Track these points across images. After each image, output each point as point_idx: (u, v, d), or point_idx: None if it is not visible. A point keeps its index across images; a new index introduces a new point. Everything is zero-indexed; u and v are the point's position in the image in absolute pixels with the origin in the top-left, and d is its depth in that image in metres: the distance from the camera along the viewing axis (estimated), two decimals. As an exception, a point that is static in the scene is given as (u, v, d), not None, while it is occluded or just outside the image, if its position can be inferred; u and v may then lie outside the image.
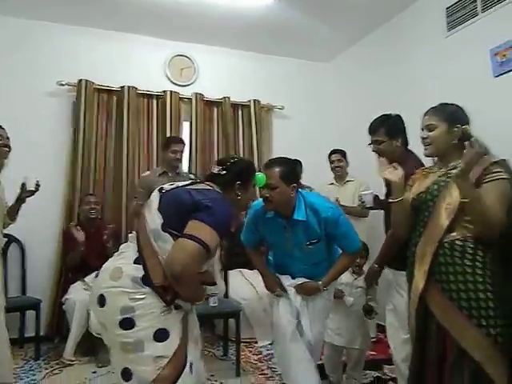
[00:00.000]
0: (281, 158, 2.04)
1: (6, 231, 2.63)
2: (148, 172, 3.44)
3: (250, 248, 2.23)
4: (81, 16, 3.59)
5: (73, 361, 2.91)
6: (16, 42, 3.58)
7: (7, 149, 2.39)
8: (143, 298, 1.43)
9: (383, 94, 3.77)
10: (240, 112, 4.25)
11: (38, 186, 2.53)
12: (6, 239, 3.08)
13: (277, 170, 1.90)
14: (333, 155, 3.72)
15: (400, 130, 2.20)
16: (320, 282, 2.02)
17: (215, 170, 1.65)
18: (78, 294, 2.98)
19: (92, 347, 2.93)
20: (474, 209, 1.49)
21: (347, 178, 3.67)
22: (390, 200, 1.80)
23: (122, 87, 3.77)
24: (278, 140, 4.38)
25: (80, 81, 3.62)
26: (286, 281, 2.10)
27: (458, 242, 1.55)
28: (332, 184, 3.73)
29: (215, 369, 2.82)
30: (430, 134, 1.68)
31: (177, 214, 1.48)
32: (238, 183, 1.64)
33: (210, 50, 4.20)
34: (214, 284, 1.89)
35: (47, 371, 2.82)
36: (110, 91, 3.79)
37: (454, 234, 1.56)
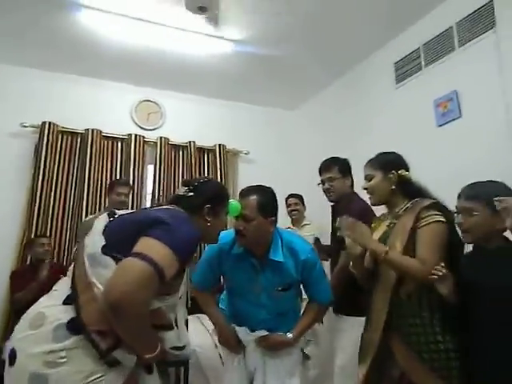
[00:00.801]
0: (259, 186, 1.77)
1: None
2: (90, 216, 3.35)
3: (202, 290, 1.88)
4: (49, 60, 3.69)
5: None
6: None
7: None
8: (62, 363, 1.08)
9: (342, 141, 3.89)
10: (205, 156, 4.32)
11: None
12: None
13: (254, 198, 1.66)
14: (290, 199, 3.77)
15: (349, 171, 2.29)
16: (290, 335, 1.75)
17: (181, 191, 1.42)
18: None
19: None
20: (388, 265, 1.57)
21: (304, 222, 3.70)
22: (380, 258, 1.57)
23: (87, 129, 3.81)
24: (243, 184, 4.40)
25: (44, 123, 3.66)
26: (245, 334, 1.80)
27: (412, 292, 1.55)
28: (289, 228, 3.74)
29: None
30: (369, 183, 1.73)
31: (126, 235, 1.19)
32: (208, 207, 1.40)
33: (178, 96, 4.33)
34: (171, 328, 1.31)
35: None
36: (74, 133, 3.82)
37: (407, 285, 1.56)
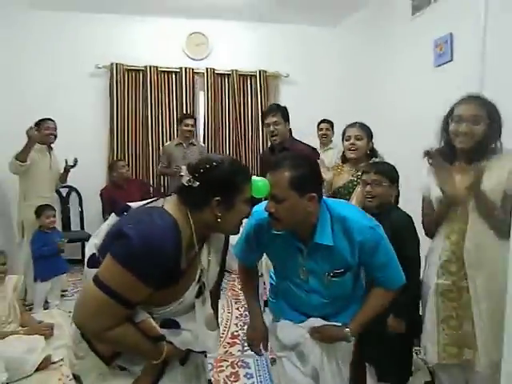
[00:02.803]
0: (293, 155, 1.45)
1: (68, 184, 4.08)
2: (169, 142, 4.39)
3: (244, 266, 1.66)
4: (110, 4, 4.33)
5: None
6: (58, 31, 4.48)
7: (53, 136, 3.48)
8: (82, 358, 1.18)
9: (371, 69, 4.13)
10: (249, 81, 4.84)
11: (75, 161, 3.63)
12: (67, 189, 4.37)
13: (285, 173, 1.30)
14: (322, 124, 4.27)
15: (289, 118, 2.75)
16: (347, 329, 1.47)
17: (184, 179, 1.15)
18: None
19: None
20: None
21: (329, 146, 4.22)
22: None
23: (146, 66, 4.57)
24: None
25: (112, 63, 4.50)
26: (292, 330, 1.55)
27: None
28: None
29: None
30: (357, 142, 2.27)
31: (105, 245, 1.13)
32: (217, 199, 1.13)
33: (220, 24, 4.73)
34: (160, 339, 1.15)
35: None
36: (136, 71, 4.62)
37: None
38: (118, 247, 1.03)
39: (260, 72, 4.79)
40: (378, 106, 3.90)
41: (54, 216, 3.37)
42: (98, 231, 1.20)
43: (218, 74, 4.76)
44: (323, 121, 4.27)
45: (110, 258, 1.02)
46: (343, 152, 2.35)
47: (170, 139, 4.59)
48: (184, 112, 4.59)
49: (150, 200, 1.23)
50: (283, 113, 2.76)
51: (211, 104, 4.75)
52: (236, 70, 4.75)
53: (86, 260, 1.15)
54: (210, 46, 4.78)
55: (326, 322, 1.52)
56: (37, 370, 2.40)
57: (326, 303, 1.50)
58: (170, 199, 1.18)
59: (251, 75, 4.83)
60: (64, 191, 4.53)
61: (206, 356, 1.43)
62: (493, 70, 2.51)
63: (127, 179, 4.30)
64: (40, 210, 3.27)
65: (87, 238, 4.33)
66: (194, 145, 4.22)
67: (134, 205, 1.22)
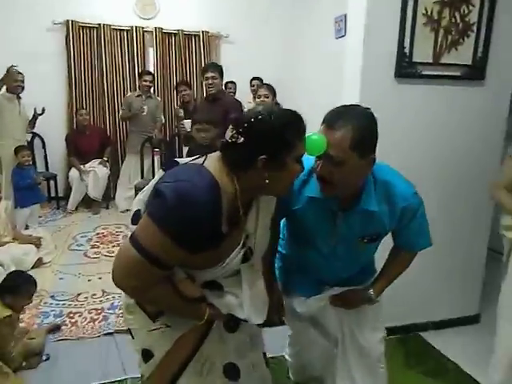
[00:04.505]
0: (353, 106, 1.22)
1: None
2: (130, 93, 5.10)
3: None
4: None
5: (73, 211, 4.90)
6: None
7: (21, 88, 4.07)
8: (132, 314, 1.18)
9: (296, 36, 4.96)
10: (193, 41, 5.50)
11: (43, 110, 4.28)
12: (31, 134, 4.96)
13: (347, 130, 1.12)
14: (253, 81, 5.09)
15: (223, 75, 3.58)
16: (370, 291, 1.42)
17: (228, 134, 1.02)
18: (75, 173, 4.87)
19: (90, 204, 4.93)
20: None
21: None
22: None
23: (99, 24, 5.10)
24: (226, 66, 5.66)
25: (67, 20, 4.99)
26: (306, 304, 1.49)
27: None
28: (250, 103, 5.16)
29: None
30: (266, 100, 3.13)
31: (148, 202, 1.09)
32: (263, 158, 0.98)
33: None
34: (200, 300, 1.11)
35: (62, 215, 4.85)
36: (91, 28, 5.13)
37: None
38: (153, 206, 0.97)
39: (203, 32, 5.46)
40: (299, 64, 4.80)
41: (29, 156, 4.07)
42: (146, 188, 1.11)
43: (165, 33, 5.37)
44: (254, 78, 5.10)
45: (146, 216, 0.96)
46: None
47: (124, 91, 5.28)
48: (136, 67, 5.25)
49: (196, 156, 1.10)
50: (220, 70, 3.56)
51: (160, 61, 5.40)
52: (182, 30, 5.39)
53: (131, 216, 1.12)
54: (158, 6, 5.34)
55: (343, 289, 1.44)
56: (32, 268, 3.25)
57: (345, 269, 1.42)
58: (212, 156, 1.06)
59: (195, 35, 5.48)
60: (28, 136, 5.10)
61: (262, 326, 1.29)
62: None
63: (88, 126, 4.98)
64: (17, 150, 3.97)
65: (52, 177, 5.04)
66: (152, 98, 4.98)
67: (181, 160, 1.12)
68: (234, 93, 5.05)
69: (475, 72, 2.23)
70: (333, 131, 1.14)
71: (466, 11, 2.15)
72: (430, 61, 2.17)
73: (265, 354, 1.41)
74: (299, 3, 5.02)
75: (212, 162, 1.04)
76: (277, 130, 0.99)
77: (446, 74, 2.20)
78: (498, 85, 2.28)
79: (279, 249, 1.54)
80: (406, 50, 2.12)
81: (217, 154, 1.07)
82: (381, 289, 1.46)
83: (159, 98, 5.31)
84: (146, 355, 1.17)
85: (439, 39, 2.15)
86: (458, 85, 2.23)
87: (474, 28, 2.17)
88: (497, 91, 2.29)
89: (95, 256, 3.67)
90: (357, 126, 1.13)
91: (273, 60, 5.43)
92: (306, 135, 1.08)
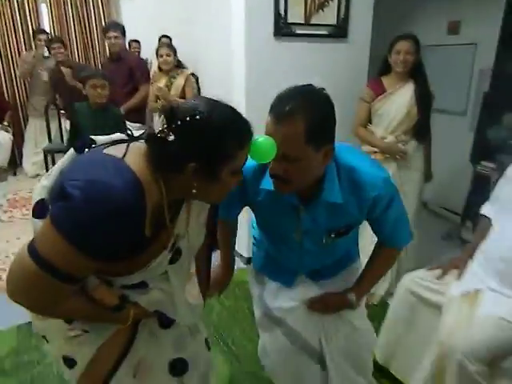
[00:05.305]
0: (305, 89, 1.07)
1: None
2: (26, 53, 4.88)
3: (223, 220, 1.36)
4: None
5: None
6: None
7: None
8: (41, 320, 0.99)
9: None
10: (90, -2, 5.35)
11: None
12: None
13: (300, 124, 0.97)
14: (162, 39, 5.14)
15: (125, 33, 3.68)
16: (352, 295, 1.29)
17: (157, 126, 0.88)
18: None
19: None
20: None
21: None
22: None
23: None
24: (126, 23, 5.59)
25: None
26: (276, 299, 1.35)
27: None
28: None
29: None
30: (168, 58, 3.27)
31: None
32: (193, 166, 0.82)
33: None
34: (120, 308, 0.95)
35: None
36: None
37: None
38: (58, 209, 0.77)
39: (101, -13, 5.32)
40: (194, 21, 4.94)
41: None
42: (51, 171, 0.93)
43: (58, -13, 5.15)
44: (163, 36, 5.15)
45: (49, 222, 0.77)
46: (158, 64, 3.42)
47: (18, 49, 5.06)
48: (30, 25, 5.00)
49: (116, 138, 0.92)
50: (122, 29, 3.62)
51: (56, 19, 5.18)
52: (77, -16, 5.20)
53: (32, 207, 0.90)
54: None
55: (319, 291, 1.31)
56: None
57: (316, 262, 1.31)
58: (135, 148, 0.86)
59: (93, -10, 5.33)
60: None
61: None
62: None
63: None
64: None
65: None
66: (50, 57, 4.64)
67: (99, 139, 0.93)
68: (139, 52, 5.08)
69: (339, 31, 2.68)
70: (282, 125, 0.97)
71: (330, -22, 2.56)
72: (302, 21, 2.56)
73: (206, 339, 1.28)
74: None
75: (135, 156, 0.84)
76: (215, 135, 0.82)
77: (315, 32, 2.61)
78: (358, 41, 2.77)
79: (254, 234, 1.46)
80: (282, 12, 2.49)
81: (140, 146, 0.87)
82: (362, 292, 1.33)
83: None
84: (69, 362, 1.00)
85: (308, 2, 2.54)
86: (327, 42, 2.67)
87: (336, -8, 2.60)
88: (358, 47, 2.78)
89: (9, 220, 3.71)
90: (310, 116, 0.97)
91: (175, 16, 5.49)
92: (254, 141, 0.92)
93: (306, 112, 0.98)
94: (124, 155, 0.83)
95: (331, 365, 1.31)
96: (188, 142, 0.81)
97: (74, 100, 3.82)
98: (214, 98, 0.88)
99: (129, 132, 0.95)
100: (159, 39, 5.18)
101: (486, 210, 1.73)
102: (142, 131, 0.95)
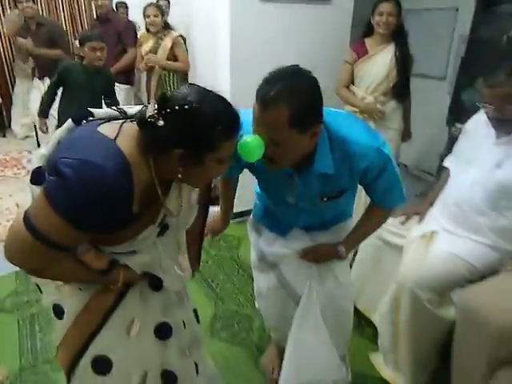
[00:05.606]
0: (290, 71, 1.08)
1: None
2: (10, 12, 4.68)
3: (226, 177, 1.50)
4: None
5: None
6: None
7: None
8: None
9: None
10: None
11: None
12: None
13: (283, 110, 1.01)
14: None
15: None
16: (341, 247, 1.38)
17: (150, 109, 0.88)
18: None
19: None
20: None
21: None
22: None
23: None
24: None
25: None
26: (272, 246, 1.47)
27: None
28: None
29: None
30: (156, 19, 3.29)
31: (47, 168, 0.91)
32: (180, 152, 0.87)
33: None
34: (109, 270, 1.00)
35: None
36: None
37: None
38: (51, 184, 0.83)
39: None
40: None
41: None
42: (49, 140, 0.97)
43: None
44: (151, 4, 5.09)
45: (43, 196, 0.82)
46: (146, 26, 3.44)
47: (3, 8, 4.98)
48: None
49: (111, 114, 0.97)
50: None
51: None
52: None
53: (30, 174, 0.94)
54: None
55: (312, 243, 1.40)
56: None
57: (312, 220, 1.40)
58: (128, 128, 0.90)
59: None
60: None
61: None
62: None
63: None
64: None
65: None
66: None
67: (97, 112, 0.97)
68: (127, 18, 5.01)
69: (322, -7, 2.75)
70: (267, 112, 1.01)
71: None
72: (288, -17, 2.62)
73: (195, 310, 1.35)
74: None
75: (127, 137, 0.88)
76: (203, 125, 0.86)
77: (300, -6, 2.68)
78: (342, 4, 2.83)
79: (255, 189, 1.54)
80: (267, -26, 2.54)
81: (133, 127, 0.91)
82: (352, 245, 1.44)
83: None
84: (57, 311, 1.06)
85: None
86: (311, 3, 2.74)
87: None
88: (341, 9, 2.85)
89: (2, 178, 3.80)
90: (294, 102, 1.00)
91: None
92: (240, 139, 0.98)
93: (290, 98, 1.00)
94: (116, 136, 0.87)
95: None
96: (176, 130, 0.85)
97: (46, 70, 3.73)
98: (207, 88, 0.91)
99: (124, 110, 1.00)
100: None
101: (447, 162, 1.88)
102: (136, 108, 0.98)
